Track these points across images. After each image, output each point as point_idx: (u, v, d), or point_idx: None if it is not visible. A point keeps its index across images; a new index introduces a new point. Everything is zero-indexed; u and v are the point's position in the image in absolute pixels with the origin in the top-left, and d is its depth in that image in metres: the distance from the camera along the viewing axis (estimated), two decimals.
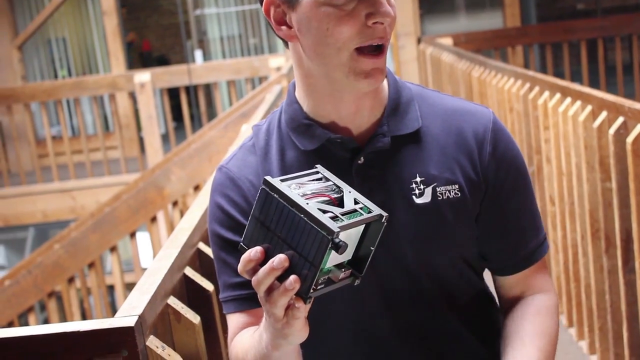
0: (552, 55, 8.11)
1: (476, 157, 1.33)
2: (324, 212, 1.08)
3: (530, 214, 1.39)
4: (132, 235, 5.20)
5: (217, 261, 1.39)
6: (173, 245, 1.73)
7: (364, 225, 1.11)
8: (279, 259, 1.07)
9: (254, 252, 1.10)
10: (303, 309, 1.09)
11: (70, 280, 5.12)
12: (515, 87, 3.95)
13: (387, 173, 1.31)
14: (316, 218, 1.05)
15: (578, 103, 3.02)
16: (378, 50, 1.23)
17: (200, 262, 1.87)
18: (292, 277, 1.07)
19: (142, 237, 5.76)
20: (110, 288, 7.00)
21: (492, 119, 1.36)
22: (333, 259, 1.09)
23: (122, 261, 5.51)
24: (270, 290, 1.09)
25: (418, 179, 1.31)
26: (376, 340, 1.37)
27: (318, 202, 1.11)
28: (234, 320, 1.37)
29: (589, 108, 2.90)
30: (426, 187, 1.31)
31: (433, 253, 1.33)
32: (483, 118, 1.36)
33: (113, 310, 6.92)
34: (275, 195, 1.10)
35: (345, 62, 1.23)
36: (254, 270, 1.10)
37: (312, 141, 1.32)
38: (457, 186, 1.31)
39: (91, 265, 5.16)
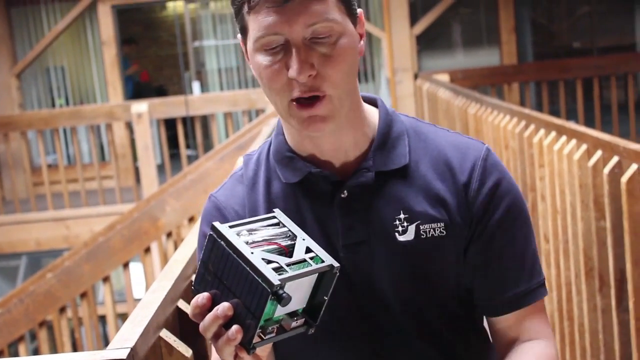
0: (548, 93, 8.16)
1: (463, 193, 1.30)
2: (269, 262, 1.06)
3: (521, 255, 1.33)
4: (126, 265, 5.18)
5: None
6: (166, 278, 1.72)
7: (316, 274, 1.09)
8: (223, 308, 1.07)
9: (201, 298, 1.10)
10: (248, 358, 1.09)
11: (62, 310, 5.09)
12: (511, 125, 3.97)
13: (370, 208, 1.29)
14: (258, 269, 1.04)
15: (573, 141, 3.04)
16: (314, 99, 1.21)
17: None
18: (234, 328, 1.06)
19: (136, 268, 5.74)
20: (102, 318, 6.95)
21: (484, 154, 1.32)
22: (283, 308, 1.06)
23: (115, 291, 5.48)
24: (217, 337, 1.09)
25: (402, 216, 1.28)
26: None
27: (267, 250, 1.09)
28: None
29: (584, 147, 2.92)
30: (409, 225, 1.28)
31: (415, 290, 1.30)
32: (474, 153, 1.33)
33: (104, 340, 6.87)
34: (222, 242, 1.08)
35: (286, 111, 1.23)
36: (202, 316, 1.10)
37: (294, 174, 1.31)
38: (442, 224, 1.29)
39: (83, 295, 5.13)
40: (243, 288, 1.05)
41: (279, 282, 1.02)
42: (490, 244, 1.31)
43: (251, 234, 1.11)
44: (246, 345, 1.07)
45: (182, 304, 1.73)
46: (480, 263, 1.32)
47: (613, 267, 2.67)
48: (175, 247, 4.37)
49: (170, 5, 11.72)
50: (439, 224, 1.29)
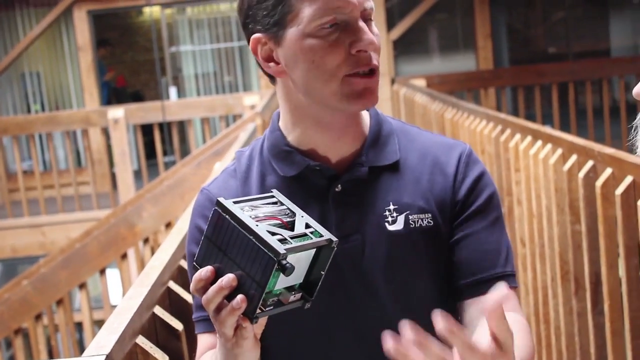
0: (524, 98, 8.22)
1: (450, 185, 1.35)
2: (273, 234, 1.10)
3: (497, 242, 1.37)
4: (102, 272, 5.15)
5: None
6: (143, 284, 1.72)
7: (314, 249, 1.13)
8: (227, 279, 1.10)
9: (205, 271, 1.12)
10: (250, 329, 1.12)
11: (38, 317, 5.05)
12: (487, 129, 3.99)
13: (362, 201, 1.33)
14: (264, 240, 1.07)
15: (549, 146, 3.06)
16: (370, 73, 1.26)
17: (170, 300, 1.85)
18: (239, 297, 1.08)
19: (112, 274, 5.71)
20: (79, 325, 6.90)
21: (468, 151, 1.39)
22: (283, 281, 1.10)
23: (92, 298, 5.45)
24: (219, 310, 1.12)
25: (391, 207, 1.33)
26: None
27: (269, 224, 1.13)
28: (203, 340, 1.38)
29: (559, 151, 2.94)
30: (399, 215, 1.32)
31: (405, 280, 1.34)
32: (458, 149, 1.39)
33: (81, 348, 6.82)
34: (227, 216, 1.11)
35: (336, 89, 1.25)
36: (205, 289, 1.12)
37: (291, 167, 1.34)
38: (429, 215, 1.33)
39: (59, 302, 5.09)
40: (248, 259, 1.09)
41: (284, 252, 1.06)
42: (470, 227, 1.36)
43: (253, 209, 1.15)
44: (250, 314, 1.10)
45: (158, 310, 1.72)
46: (459, 244, 1.36)
47: (588, 270, 2.69)
48: (152, 253, 4.35)
49: (146, 10, 11.68)
50: (426, 214, 1.33)
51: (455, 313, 1.41)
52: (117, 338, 1.39)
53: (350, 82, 1.25)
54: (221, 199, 1.13)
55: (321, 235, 1.13)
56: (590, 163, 2.65)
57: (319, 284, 1.14)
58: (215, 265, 1.13)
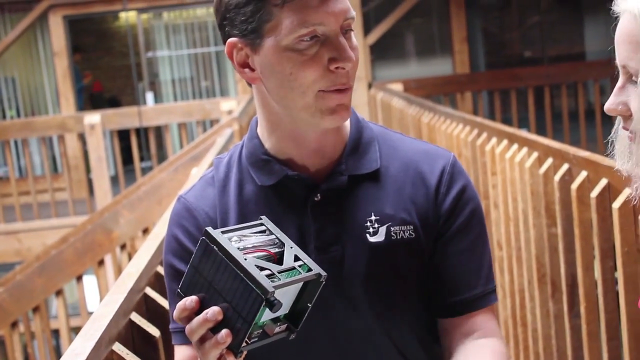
0: (500, 102, 8.27)
1: (432, 198, 1.33)
2: (262, 269, 1.09)
3: (479, 259, 1.37)
4: (79, 278, 5.11)
5: (169, 292, 1.39)
6: (119, 290, 1.71)
7: (302, 282, 1.12)
8: (213, 312, 1.09)
9: (189, 301, 1.11)
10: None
11: (14, 324, 5.01)
12: (463, 133, 4.01)
13: (342, 211, 1.31)
14: (252, 275, 1.06)
15: (525, 150, 3.08)
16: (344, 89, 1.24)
17: (147, 307, 1.84)
18: (224, 332, 1.07)
19: (89, 281, 5.67)
20: (56, 332, 6.85)
21: (452, 161, 1.37)
22: (268, 313, 1.09)
23: (68, 305, 5.41)
24: (203, 340, 1.11)
25: (373, 218, 1.31)
26: None
27: (257, 257, 1.12)
28: (180, 352, 1.36)
29: (535, 155, 2.95)
30: (380, 226, 1.31)
31: (385, 292, 1.32)
32: (442, 160, 1.36)
33: (57, 355, 6.76)
34: (214, 247, 1.10)
35: (310, 103, 1.23)
36: (189, 319, 1.11)
37: (270, 177, 1.32)
38: (411, 227, 1.31)
39: (36, 310, 5.05)
40: (235, 293, 1.07)
41: (273, 289, 1.05)
42: (453, 245, 1.35)
43: (241, 240, 1.14)
44: (234, 349, 1.09)
45: (135, 316, 1.71)
46: (439, 262, 1.35)
47: (565, 273, 2.71)
48: (130, 259, 4.33)
49: (123, 15, 11.63)
50: (408, 226, 1.31)
51: (436, 326, 1.41)
52: (93, 345, 1.38)
53: (324, 97, 1.23)
54: (209, 229, 1.11)
55: (310, 269, 1.12)
56: (565, 166, 2.67)
57: (305, 315, 1.14)
58: (200, 295, 1.11)
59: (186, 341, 1.34)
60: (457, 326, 1.37)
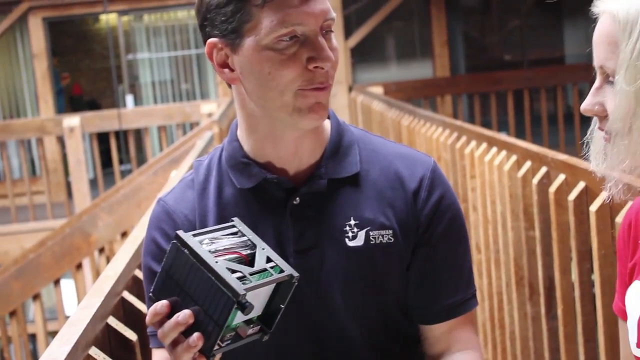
0: (480, 105, 8.30)
1: (411, 203, 1.33)
2: (233, 271, 1.08)
3: (460, 266, 1.37)
4: (57, 282, 5.08)
5: (147, 294, 1.38)
6: (96, 294, 1.70)
7: (274, 283, 1.12)
8: (184, 315, 1.09)
9: (160, 305, 1.11)
10: None
11: None
12: (443, 137, 4.03)
13: (321, 214, 1.31)
14: (223, 278, 1.06)
15: (503, 153, 3.09)
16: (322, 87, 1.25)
17: (124, 311, 1.83)
18: (196, 335, 1.08)
19: (67, 285, 5.63)
20: (33, 337, 6.80)
21: (432, 166, 1.36)
22: (241, 315, 1.09)
23: (46, 309, 5.37)
24: (175, 344, 1.11)
25: (352, 222, 1.31)
26: None
27: (229, 259, 1.11)
28: (157, 355, 1.36)
29: (513, 158, 2.97)
30: (359, 231, 1.30)
31: (362, 297, 1.32)
32: (423, 165, 1.36)
33: (35, 359, 6.72)
34: (185, 250, 1.10)
35: (288, 101, 1.23)
36: (161, 323, 1.12)
37: (249, 180, 1.32)
38: (390, 231, 1.31)
39: (13, 314, 5.01)
40: (207, 296, 1.07)
41: (244, 292, 1.05)
42: (433, 252, 1.34)
43: (213, 242, 1.13)
44: (206, 352, 1.09)
45: (112, 320, 1.70)
46: (421, 270, 1.35)
47: (542, 275, 2.72)
48: (108, 263, 4.31)
49: (103, 17, 11.58)
50: (387, 231, 1.31)
51: (416, 329, 1.41)
52: (69, 350, 1.37)
53: (303, 95, 1.23)
54: (180, 233, 1.11)
55: (282, 271, 1.12)
56: (544, 169, 2.68)
57: (279, 316, 1.13)
58: (172, 299, 1.11)
59: (160, 344, 1.33)
60: (436, 335, 1.38)
